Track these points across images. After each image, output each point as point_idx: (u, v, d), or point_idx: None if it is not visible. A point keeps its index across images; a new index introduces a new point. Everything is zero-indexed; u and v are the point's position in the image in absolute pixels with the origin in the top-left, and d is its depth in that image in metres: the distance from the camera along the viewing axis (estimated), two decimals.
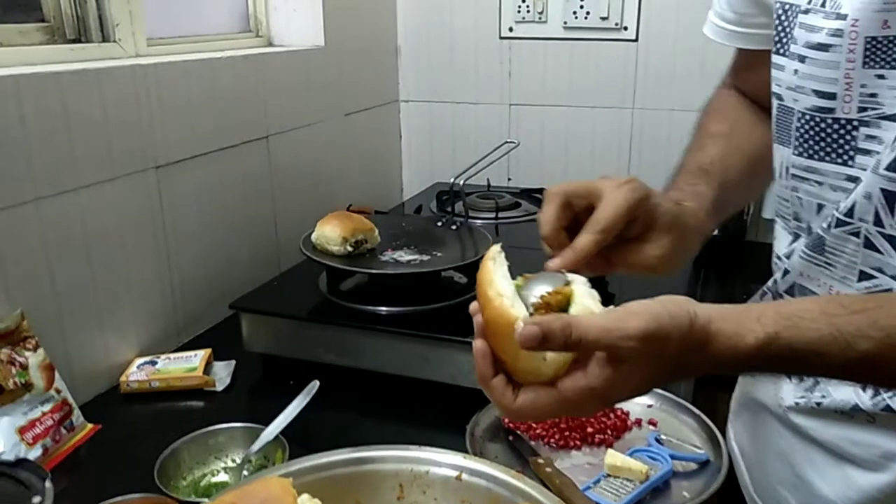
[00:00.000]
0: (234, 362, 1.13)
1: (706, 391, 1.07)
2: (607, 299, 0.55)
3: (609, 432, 0.93)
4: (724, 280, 1.49)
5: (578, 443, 0.91)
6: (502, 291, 0.52)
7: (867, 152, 0.59)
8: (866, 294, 0.60)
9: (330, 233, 1.13)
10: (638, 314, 0.48)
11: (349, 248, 1.14)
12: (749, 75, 0.79)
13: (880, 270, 0.60)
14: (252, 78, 1.35)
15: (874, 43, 0.56)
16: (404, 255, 1.16)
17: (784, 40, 0.64)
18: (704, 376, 0.58)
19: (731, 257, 1.56)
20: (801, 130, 0.64)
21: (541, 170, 1.89)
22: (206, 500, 0.76)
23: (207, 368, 1.10)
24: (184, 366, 1.08)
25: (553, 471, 0.84)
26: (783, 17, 0.64)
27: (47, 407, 0.91)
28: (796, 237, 0.69)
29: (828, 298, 0.56)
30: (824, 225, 0.63)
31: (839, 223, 0.61)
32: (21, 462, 0.72)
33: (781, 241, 0.72)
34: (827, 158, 0.62)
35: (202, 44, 1.39)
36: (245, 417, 0.95)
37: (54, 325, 0.99)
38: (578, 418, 0.92)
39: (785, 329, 0.49)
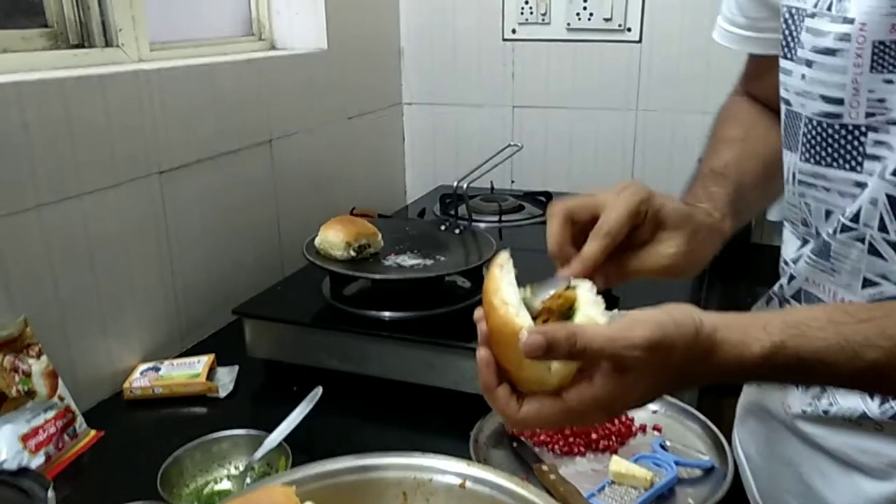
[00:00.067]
0: (237, 368, 1.13)
1: (711, 397, 1.07)
2: (611, 302, 0.55)
3: (613, 438, 0.92)
4: (729, 282, 1.48)
5: (583, 449, 0.91)
6: (508, 300, 0.51)
7: (876, 158, 0.58)
8: (873, 302, 0.60)
9: (333, 237, 1.13)
10: (643, 323, 0.48)
11: (352, 253, 1.13)
12: (762, 80, 0.78)
13: (884, 277, 0.59)
14: (255, 82, 1.35)
15: (882, 47, 0.55)
16: (408, 260, 1.16)
17: (791, 45, 0.63)
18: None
19: (736, 260, 1.55)
20: (809, 136, 0.63)
21: (544, 172, 1.88)
22: None
23: (210, 374, 1.09)
24: (187, 372, 1.08)
25: (557, 478, 0.83)
26: (790, 22, 0.64)
27: (50, 414, 0.91)
28: (805, 242, 0.68)
29: (834, 306, 0.56)
30: (830, 230, 0.62)
31: (844, 228, 0.60)
32: (23, 471, 0.72)
33: (790, 246, 0.71)
34: (835, 164, 0.61)
35: (205, 48, 1.39)
36: (248, 423, 0.95)
37: (58, 331, 0.99)
38: None
39: (791, 338, 0.48)
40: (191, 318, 1.24)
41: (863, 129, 0.59)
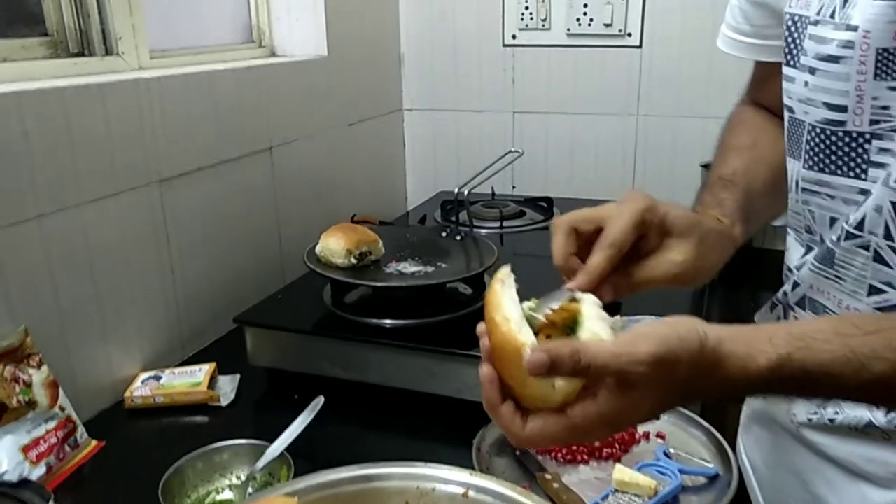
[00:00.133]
0: (238, 376, 1.12)
1: (715, 404, 1.06)
2: (614, 308, 0.55)
3: (617, 446, 0.92)
4: (732, 287, 1.47)
5: (586, 457, 0.90)
6: (509, 316, 0.51)
7: (880, 165, 0.58)
8: (880, 313, 0.59)
9: (334, 245, 1.13)
10: (647, 338, 0.47)
11: (353, 261, 1.13)
12: (769, 87, 0.77)
13: (890, 285, 0.59)
14: (255, 89, 1.35)
15: (886, 55, 0.55)
16: (409, 267, 1.16)
17: (794, 52, 0.63)
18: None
19: (738, 265, 1.54)
20: (812, 143, 0.63)
21: (545, 177, 1.88)
22: None
23: (212, 383, 1.09)
24: (188, 380, 1.08)
25: (560, 486, 0.83)
26: (793, 29, 0.63)
27: (51, 425, 0.90)
28: (809, 250, 0.68)
29: (840, 319, 0.55)
30: (834, 238, 0.62)
31: (849, 236, 0.60)
32: (24, 483, 0.72)
33: (793, 253, 0.71)
34: (839, 172, 0.61)
35: (205, 55, 1.39)
36: (250, 432, 0.94)
37: (58, 340, 0.99)
38: None
39: (798, 350, 0.48)
40: (192, 327, 1.23)
41: (867, 136, 0.58)
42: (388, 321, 1.07)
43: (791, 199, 0.68)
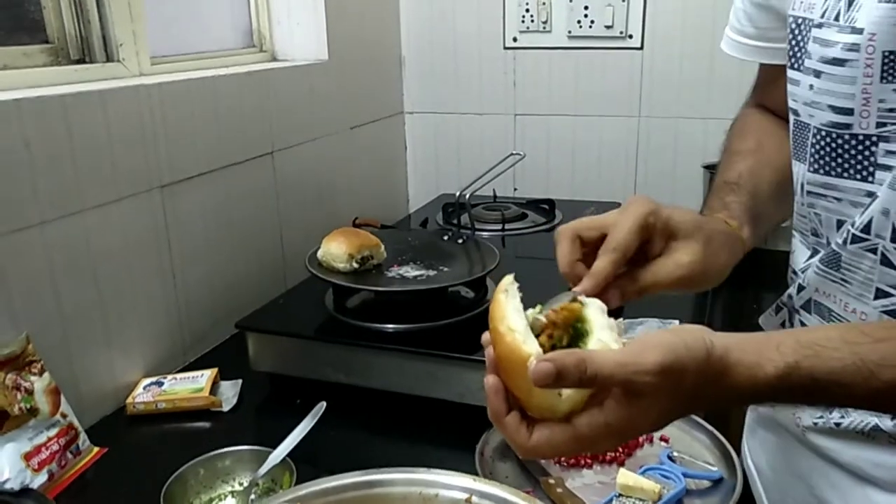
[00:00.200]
0: (240, 382, 1.12)
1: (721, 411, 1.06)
2: (616, 312, 0.54)
3: (620, 449, 0.91)
4: (735, 288, 1.47)
5: (589, 461, 0.90)
6: (514, 327, 0.50)
7: (887, 168, 0.58)
8: (888, 321, 0.59)
9: (335, 250, 1.13)
10: (654, 347, 0.47)
11: (355, 265, 1.13)
12: (773, 90, 0.76)
13: None
14: (256, 94, 1.35)
15: (892, 57, 0.55)
16: (411, 271, 1.16)
17: (798, 55, 0.63)
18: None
19: (741, 264, 1.54)
20: (818, 146, 0.62)
21: (547, 179, 1.88)
22: None
23: (214, 388, 1.09)
24: (190, 386, 1.08)
25: (564, 491, 0.83)
26: (796, 32, 0.63)
27: (53, 432, 0.90)
28: (815, 252, 0.67)
29: (849, 326, 0.55)
30: (840, 240, 0.61)
31: (855, 239, 0.60)
32: (25, 491, 0.71)
33: (799, 256, 0.70)
34: (845, 175, 0.61)
35: (206, 60, 1.39)
36: (252, 438, 0.94)
37: (60, 347, 0.99)
38: None
39: (805, 358, 0.47)
40: (194, 332, 1.23)
41: (873, 138, 0.58)
42: (390, 325, 1.06)
43: (797, 202, 0.68)
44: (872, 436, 0.63)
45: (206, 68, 1.35)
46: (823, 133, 0.61)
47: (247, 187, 1.34)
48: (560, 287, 0.60)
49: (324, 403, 0.94)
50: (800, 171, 0.66)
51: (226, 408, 1.07)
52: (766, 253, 1.65)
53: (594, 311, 0.53)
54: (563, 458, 0.90)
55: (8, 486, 0.83)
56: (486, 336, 0.53)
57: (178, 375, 1.12)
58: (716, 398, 0.49)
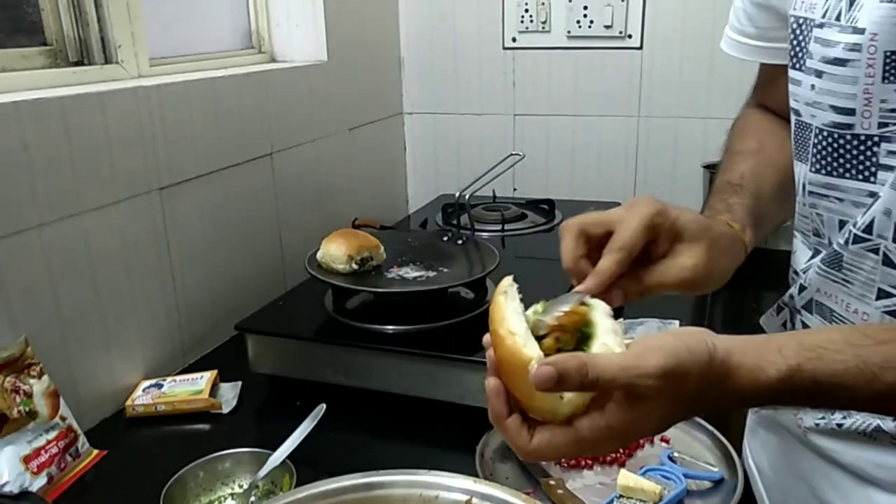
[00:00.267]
0: (240, 384, 1.12)
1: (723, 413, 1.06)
2: (616, 311, 0.54)
3: (621, 450, 0.91)
4: (735, 287, 1.46)
5: (590, 462, 0.90)
6: (514, 330, 0.50)
7: (889, 168, 0.57)
8: (890, 323, 0.59)
9: (335, 251, 1.12)
10: (656, 350, 0.47)
11: (355, 266, 1.13)
12: (774, 90, 0.76)
13: None
14: (255, 95, 1.35)
15: (894, 57, 0.54)
16: (410, 272, 1.15)
17: (800, 55, 0.63)
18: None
19: (742, 264, 1.53)
20: (820, 147, 0.62)
21: (546, 180, 1.88)
22: None
23: (213, 390, 1.09)
24: (189, 388, 1.07)
25: (565, 492, 0.82)
26: (797, 32, 0.63)
27: (52, 435, 0.90)
28: (816, 252, 0.67)
29: (851, 328, 0.55)
30: (842, 241, 0.61)
31: (857, 239, 0.59)
32: (25, 494, 0.71)
33: (800, 256, 0.70)
34: (847, 175, 0.60)
35: (205, 62, 1.39)
36: (252, 440, 0.94)
37: (59, 350, 0.98)
38: None
39: (808, 361, 0.47)
40: (193, 334, 1.23)
41: (875, 139, 0.57)
42: (389, 327, 1.06)
43: (798, 203, 0.68)
44: (875, 437, 0.63)
45: (204, 69, 1.35)
46: (825, 133, 0.61)
47: (246, 189, 1.34)
48: (560, 287, 0.60)
49: (324, 405, 0.94)
50: (801, 171, 0.65)
51: (225, 410, 1.07)
52: (766, 252, 1.65)
53: (599, 315, 0.53)
54: (563, 460, 0.90)
55: (7, 489, 0.83)
56: (486, 338, 0.53)
57: (178, 377, 1.11)
58: (718, 401, 0.49)
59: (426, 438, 0.99)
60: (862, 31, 0.55)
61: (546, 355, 0.48)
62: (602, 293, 0.57)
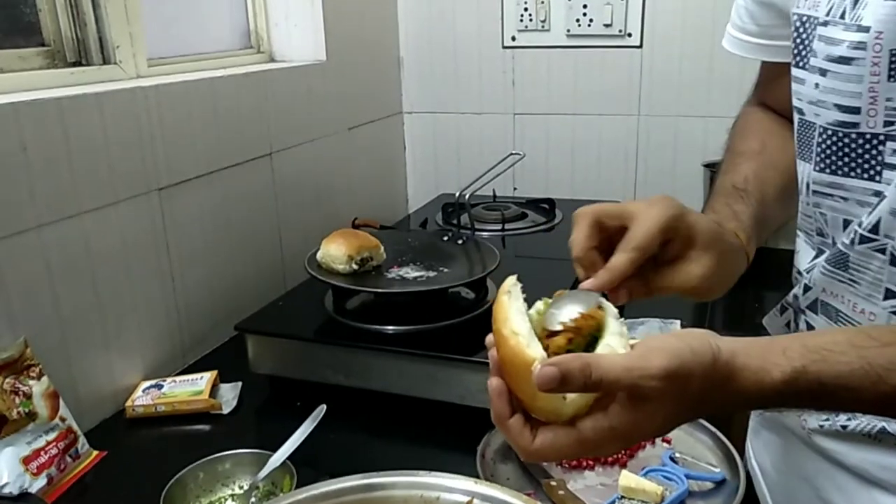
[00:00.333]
0: (240, 384, 1.12)
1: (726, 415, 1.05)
2: (618, 310, 0.54)
3: (622, 451, 0.91)
4: (736, 287, 1.46)
5: (591, 463, 0.89)
6: (517, 330, 0.49)
7: (895, 167, 0.57)
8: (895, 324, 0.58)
9: (335, 251, 1.12)
10: (660, 352, 0.46)
11: (355, 266, 1.12)
12: (776, 88, 0.75)
13: None
14: (254, 95, 1.34)
15: None
16: (410, 272, 1.15)
17: (803, 53, 0.62)
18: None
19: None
20: (824, 146, 0.61)
21: (546, 179, 1.88)
22: None
23: (213, 391, 1.08)
24: (189, 389, 1.07)
25: (566, 493, 0.82)
26: (801, 30, 0.62)
27: (52, 436, 0.90)
28: (820, 252, 0.67)
29: (856, 330, 0.54)
30: (847, 240, 0.61)
31: (863, 239, 0.59)
32: (25, 496, 0.71)
33: (804, 256, 0.70)
34: (852, 174, 0.60)
35: (203, 62, 1.39)
36: (252, 440, 0.94)
37: (59, 351, 0.98)
38: None
39: (813, 363, 0.47)
40: (193, 334, 1.23)
41: (881, 137, 0.57)
42: (390, 327, 1.06)
43: (801, 202, 0.67)
44: (879, 438, 0.63)
45: (203, 70, 1.34)
46: (830, 132, 0.60)
47: (245, 189, 1.33)
48: (561, 286, 0.59)
49: (324, 406, 0.94)
50: (805, 170, 0.65)
51: (225, 410, 1.06)
52: (767, 252, 1.65)
53: (609, 316, 0.52)
54: (565, 461, 0.89)
55: (7, 490, 0.83)
56: (489, 338, 0.52)
57: (178, 378, 1.11)
58: (722, 403, 0.49)
59: (427, 439, 0.99)
60: (867, 30, 0.55)
61: (554, 354, 0.48)
62: (611, 290, 0.57)
